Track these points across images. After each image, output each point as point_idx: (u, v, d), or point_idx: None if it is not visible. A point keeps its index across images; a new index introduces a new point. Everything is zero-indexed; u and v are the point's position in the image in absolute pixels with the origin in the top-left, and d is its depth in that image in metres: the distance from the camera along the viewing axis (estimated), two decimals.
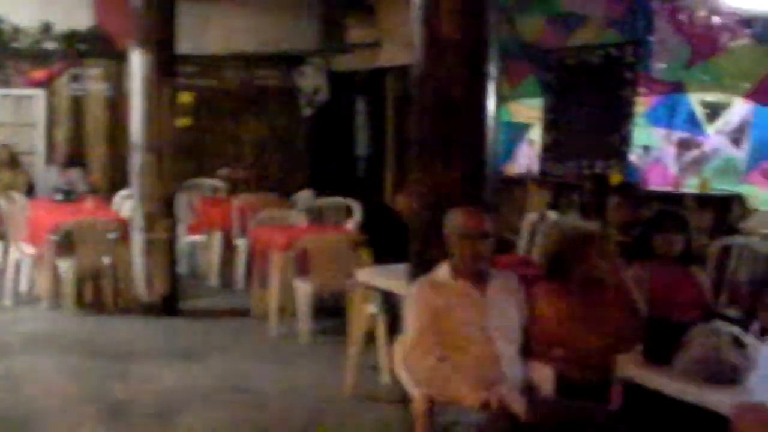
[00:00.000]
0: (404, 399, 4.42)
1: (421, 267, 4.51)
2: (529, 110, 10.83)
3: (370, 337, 6.34)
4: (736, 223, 7.75)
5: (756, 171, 8.01)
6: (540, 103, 10.63)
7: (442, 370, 3.87)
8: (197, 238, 10.26)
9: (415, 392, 3.94)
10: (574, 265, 4.27)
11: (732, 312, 6.06)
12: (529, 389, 3.96)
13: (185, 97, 12.14)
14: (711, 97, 8.47)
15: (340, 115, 13.27)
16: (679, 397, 3.66)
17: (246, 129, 13.08)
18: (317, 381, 6.56)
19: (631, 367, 3.88)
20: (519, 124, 10.97)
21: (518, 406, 3.70)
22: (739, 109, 8.18)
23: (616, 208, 6.34)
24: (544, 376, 4.03)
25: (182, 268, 9.64)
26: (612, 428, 3.68)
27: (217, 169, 11.97)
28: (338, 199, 10.27)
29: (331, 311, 7.97)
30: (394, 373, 4.76)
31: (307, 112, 13.40)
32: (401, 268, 5.17)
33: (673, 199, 8.19)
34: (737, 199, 7.95)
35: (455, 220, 4.06)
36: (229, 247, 9.92)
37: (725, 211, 7.93)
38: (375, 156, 12.69)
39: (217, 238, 9.96)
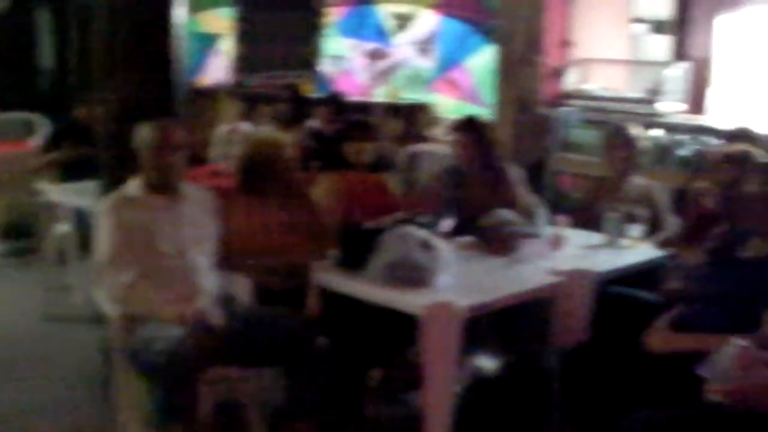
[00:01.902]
0: (99, 318, 4.31)
1: (112, 182, 4.38)
2: (221, 20, 10.69)
3: (61, 257, 6.14)
4: (423, 131, 8.04)
5: (441, 80, 8.33)
6: (231, 13, 10.52)
7: (138, 286, 3.78)
8: None
9: (112, 310, 3.84)
10: (267, 175, 4.31)
11: (421, 216, 6.32)
12: (226, 300, 3.97)
13: None
14: (399, 8, 8.68)
15: (20, 26, 12.55)
16: (372, 300, 3.80)
17: None
18: (8, 304, 6.30)
19: (326, 274, 3.97)
20: (210, 35, 10.82)
21: (215, 317, 3.71)
22: (426, 20, 8.44)
23: (325, 120, 6.40)
24: (242, 286, 4.05)
25: None
26: (308, 334, 3.76)
27: None
28: (19, 115, 9.73)
29: (19, 232, 7.64)
30: (87, 292, 4.64)
31: None
32: (92, 185, 5.01)
33: (365, 109, 8.38)
34: (424, 108, 8.24)
35: (145, 133, 3.95)
36: None
37: (413, 119, 8.20)
38: (59, 68, 12.14)
39: None
